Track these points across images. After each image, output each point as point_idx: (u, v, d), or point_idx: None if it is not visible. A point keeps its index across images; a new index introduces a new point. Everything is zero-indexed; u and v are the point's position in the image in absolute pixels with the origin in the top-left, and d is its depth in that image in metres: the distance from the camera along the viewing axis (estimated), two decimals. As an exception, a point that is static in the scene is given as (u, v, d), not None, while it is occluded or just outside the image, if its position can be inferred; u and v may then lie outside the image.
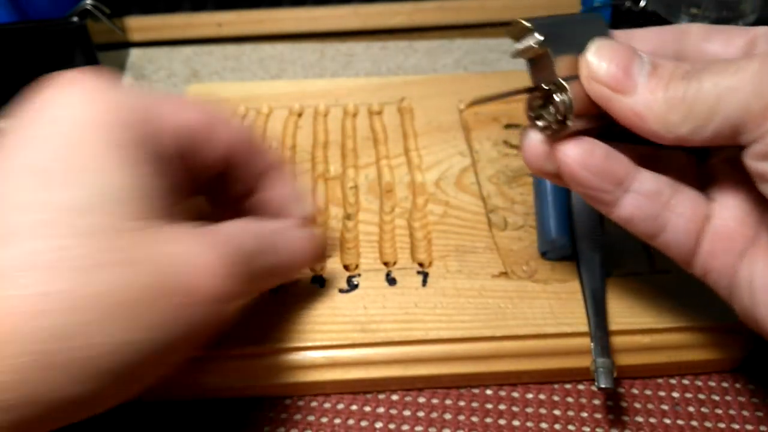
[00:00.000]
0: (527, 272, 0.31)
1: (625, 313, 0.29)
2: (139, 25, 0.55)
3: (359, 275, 0.31)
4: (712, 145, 0.21)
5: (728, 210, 0.23)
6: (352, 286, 0.30)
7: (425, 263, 0.31)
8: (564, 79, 0.22)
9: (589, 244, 0.31)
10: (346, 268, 0.31)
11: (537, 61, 0.23)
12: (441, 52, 0.54)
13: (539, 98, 0.23)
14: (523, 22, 0.22)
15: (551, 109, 0.22)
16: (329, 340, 0.28)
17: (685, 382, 0.29)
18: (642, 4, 0.47)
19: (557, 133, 0.22)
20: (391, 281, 0.31)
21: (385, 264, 0.31)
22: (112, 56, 0.53)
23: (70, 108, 0.21)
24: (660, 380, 0.29)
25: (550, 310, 0.29)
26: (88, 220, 0.18)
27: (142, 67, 0.54)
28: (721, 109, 0.19)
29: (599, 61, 0.21)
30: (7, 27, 0.45)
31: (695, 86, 0.20)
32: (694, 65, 0.21)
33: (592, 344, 0.27)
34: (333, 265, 0.31)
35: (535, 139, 0.23)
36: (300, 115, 0.41)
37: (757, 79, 0.19)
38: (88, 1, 0.45)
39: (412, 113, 0.41)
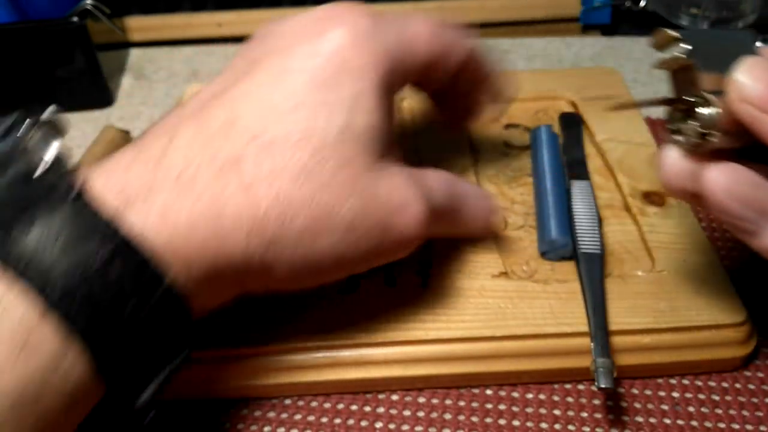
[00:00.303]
0: (527, 272, 0.31)
1: (625, 313, 0.29)
2: (139, 25, 0.55)
3: (359, 275, 0.31)
4: None
5: None
6: (353, 286, 0.30)
7: (425, 263, 0.31)
8: (710, 94, 0.21)
9: (589, 244, 0.31)
10: (346, 268, 0.31)
11: (680, 73, 0.22)
12: (441, 52, 0.54)
13: (680, 111, 0.22)
14: (669, 31, 0.21)
15: (692, 122, 0.21)
16: (329, 340, 0.28)
17: (685, 382, 0.29)
18: (642, 4, 0.47)
19: (697, 149, 0.22)
20: (391, 281, 0.31)
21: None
22: (112, 56, 0.53)
23: (341, 47, 0.24)
24: (660, 380, 0.29)
25: (550, 310, 0.29)
26: (342, 151, 0.22)
27: (142, 67, 0.54)
28: None
29: (749, 81, 0.20)
30: (7, 27, 0.45)
31: None
32: None
33: (592, 344, 0.27)
34: (333, 265, 0.31)
35: (675, 157, 0.22)
36: (300, 115, 0.41)
37: None
38: (88, 1, 0.46)
39: (412, 113, 0.41)
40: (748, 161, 0.22)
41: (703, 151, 0.22)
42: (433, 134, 0.39)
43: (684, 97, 0.22)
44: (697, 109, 0.21)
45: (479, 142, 0.38)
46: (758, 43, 0.23)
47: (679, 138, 0.22)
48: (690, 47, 0.21)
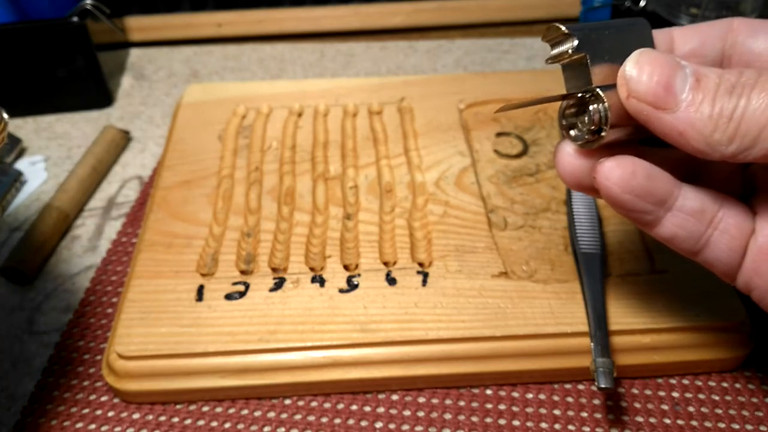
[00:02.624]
0: (527, 272, 0.31)
1: (625, 313, 0.29)
2: (139, 25, 0.55)
3: (359, 275, 0.31)
4: (760, 162, 0.20)
5: None
6: (352, 286, 0.30)
7: (425, 263, 0.31)
8: (601, 88, 0.21)
9: (589, 244, 0.31)
10: (346, 268, 0.31)
11: (572, 68, 0.22)
12: (441, 52, 0.54)
13: (573, 107, 0.22)
14: (560, 26, 0.21)
15: (585, 118, 0.21)
16: (329, 340, 0.28)
17: (685, 382, 0.29)
18: (642, 4, 0.47)
19: (591, 144, 0.21)
20: (391, 281, 0.31)
21: (385, 264, 0.31)
22: (112, 56, 0.53)
23: None
24: (660, 380, 0.29)
25: (550, 310, 0.29)
26: None
27: (142, 67, 0.54)
28: None
29: (638, 76, 0.20)
30: (7, 27, 0.45)
31: (743, 104, 0.19)
32: (742, 76, 0.19)
33: (592, 344, 0.27)
34: (333, 265, 0.31)
35: (569, 153, 0.22)
36: (300, 115, 0.41)
37: None
38: (88, 1, 0.46)
39: (411, 113, 0.41)
40: (648, 147, 0.22)
41: (598, 147, 0.21)
42: (433, 135, 0.39)
43: (576, 93, 0.22)
44: (589, 105, 0.21)
45: (479, 142, 0.38)
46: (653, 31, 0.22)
47: (573, 133, 0.22)
48: (577, 42, 0.21)
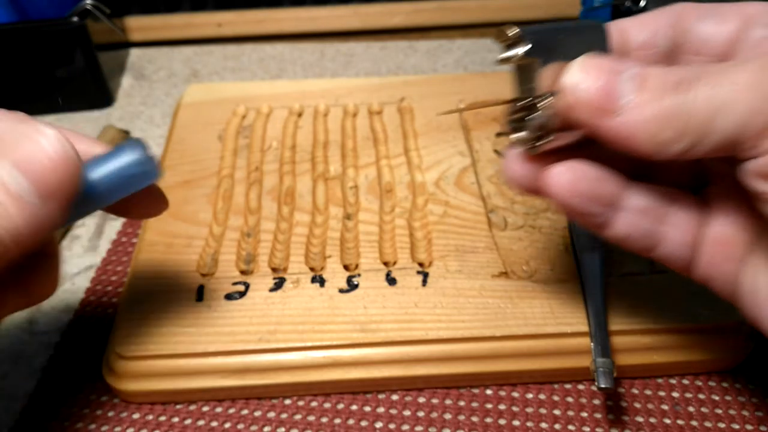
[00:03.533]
0: (527, 272, 0.31)
1: (625, 313, 0.29)
2: (139, 25, 0.56)
3: (359, 275, 0.31)
4: (708, 157, 0.20)
5: (724, 216, 0.22)
6: (352, 286, 0.30)
7: (425, 263, 0.31)
8: (547, 94, 0.20)
9: (589, 244, 0.31)
10: (346, 268, 0.31)
11: (523, 70, 0.21)
12: (441, 52, 0.54)
13: (520, 110, 0.22)
14: (512, 28, 0.20)
15: (531, 123, 0.21)
16: (329, 340, 0.28)
17: (685, 382, 0.29)
18: (642, 3, 0.47)
19: (535, 149, 0.21)
20: (391, 281, 0.31)
21: (385, 264, 0.31)
22: (112, 56, 0.53)
23: None
24: (660, 380, 0.29)
25: (550, 310, 0.29)
26: None
27: (142, 67, 0.54)
28: (717, 125, 0.18)
29: (579, 83, 0.19)
30: (7, 27, 0.45)
31: (689, 99, 0.18)
32: (686, 72, 0.19)
33: (592, 344, 0.27)
34: (333, 265, 0.31)
35: (517, 158, 0.22)
36: (300, 115, 0.41)
37: (752, 94, 0.17)
38: (88, 1, 0.46)
39: (412, 113, 0.41)
40: (598, 148, 0.21)
41: (542, 151, 0.21)
42: (433, 135, 0.39)
43: (523, 96, 0.21)
44: (535, 111, 0.21)
45: (479, 142, 0.38)
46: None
47: (519, 136, 0.22)
48: (528, 46, 0.20)
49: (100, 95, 0.48)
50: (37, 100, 0.47)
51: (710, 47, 0.22)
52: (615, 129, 0.19)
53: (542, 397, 0.28)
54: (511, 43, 0.21)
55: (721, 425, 0.27)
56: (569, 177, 0.21)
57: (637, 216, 0.22)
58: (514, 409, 0.28)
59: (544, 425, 0.27)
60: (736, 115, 0.18)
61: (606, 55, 0.21)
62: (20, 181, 0.19)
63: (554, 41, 0.21)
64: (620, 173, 0.22)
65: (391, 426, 0.27)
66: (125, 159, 0.22)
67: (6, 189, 0.19)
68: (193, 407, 0.28)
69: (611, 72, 0.19)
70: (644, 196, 0.22)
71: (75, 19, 0.44)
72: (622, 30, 0.23)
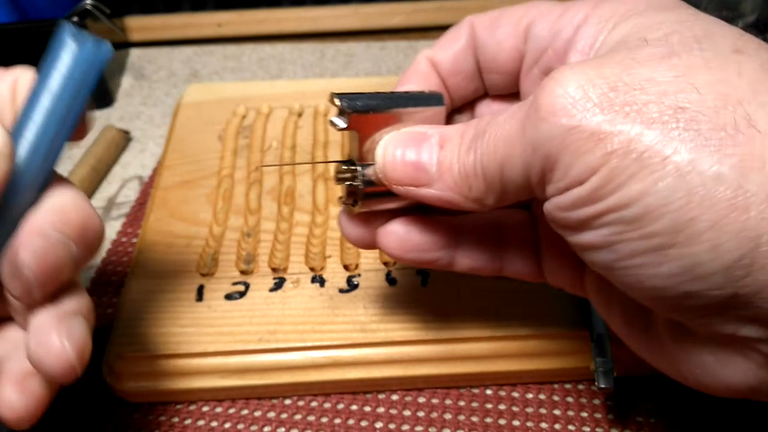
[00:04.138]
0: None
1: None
2: (139, 25, 0.55)
3: (359, 275, 0.31)
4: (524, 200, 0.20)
5: (549, 230, 0.22)
6: (352, 286, 0.30)
7: (425, 263, 0.31)
8: (362, 165, 0.21)
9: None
10: (346, 268, 0.31)
11: (352, 136, 0.22)
12: (441, 52, 0.54)
13: (346, 171, 0.22)
14: (336, 101, 0.21)
15: (347, 187, 0.22)
16: (329, 340, 0.28)
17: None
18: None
19: (352, 210, 0.22)
20: (391, 281, 0.31)
21: (385, 264, 0.31)
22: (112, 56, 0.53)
23: None
24: (660, 380, 0.29)
25: (550, 310, 0.29)
26: None
27: (142, 67, 0.54)
28: (508, 179, 0.18)
29: (387, 161, 0.20)
30: (7, 27, 0.45)
31: (479, 155, 0.19)
32: (476, 129, 0.19)
33: (592, 344, 0.27)
34: (333, 265, 0.31)
35: (349, 220, 0.23)
36: (300, 115, 0.41)
37: (521, 148, 0.17)
38: (88, 1, 0.46)
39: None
40: None
41: (357, 213, 0.22)
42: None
43: (345, 162, 0.22)
44: (350, 179, 0.22)
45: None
46: (444, 102, 0.23)
47: (340, 195, 0.22)
48: (344, 125, 0.21)
49: (100, 95, 0.48)
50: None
51: (500, 66, 0.23)
52: (432, 196, 0.20)
53: (542, 397, 0.28)
54: (339, 112, 0.21)
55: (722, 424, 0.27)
56: (397, 237, 0.22)
57: (474, 250, 0.23)
58: (514, 409, 0.28)
59: (544, 425, 0.27)
60: (517, 169, 0.18)
61: (416, 127, 0.21)
62: None
63: (378, 114, 0.21)
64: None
65: (391, 426, 0.27)
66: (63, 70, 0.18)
67: None
68: (193, 407, 0.28)
69: (416, 143, 0.20)
70: (475, 231, 0.23)
71: (75, 19, 0.44)
72: (432, 59, 0.24)
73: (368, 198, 0.22)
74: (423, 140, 0.20)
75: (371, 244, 0.23)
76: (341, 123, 0.21)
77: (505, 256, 0.23)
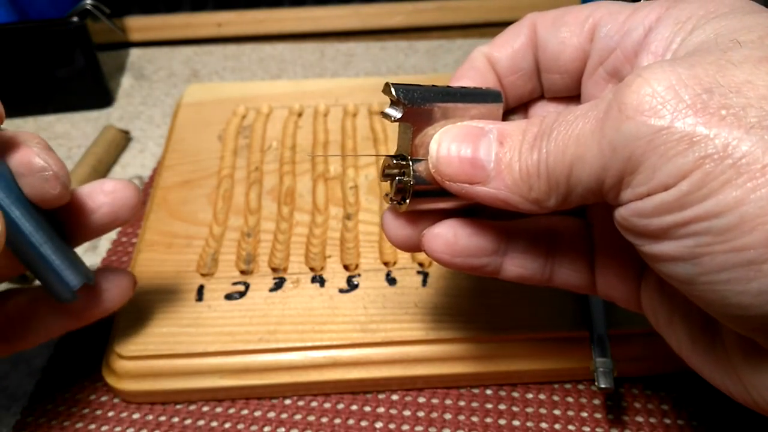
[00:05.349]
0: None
1: (625, 313, 0.29)
2: (139, 25, 0.55)
3: (359, 275, 0.31)
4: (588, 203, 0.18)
5: (607, 239, 0.21)
6: (352, 286, 0.30)
7: (425, 263, 0.31)
8: (413, 160, 0.20)
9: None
10: (346, 268, 0.31)
11: (404, 128, 0.20)
12: (441, 52, 0.54)
13: (395, 167, 0.21)
14: (392, 90, 0.19)
15: (395, 183, 0.21)
16: (329, 340, 0.28)
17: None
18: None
19: (399, 207, 0.21)
20: (391, 281, 0.31)
21: (385, 264, 0.31)
22: (112, 56, 0.53)
23: None
24: (660, 380, 0.29)
25: (550, 310, 0.29)
26: None
27: (142, 67, 0.54)
28: (577, 180, 0.17)
29: (442, 157, 0.19)
30: (7, 27, 0.45)
31: (545, 155, 0.18)
32: (541, 126, 0.18)
33: (592, 344, 0.27)
34: (333, 265, 0.31)
35: (394, 221, 0.22)
36: (300, 115, 0.41)
37: (596, 148, 0.16)
38: (88, 1, 0.46)
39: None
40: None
41: (405, 210, 0.21)
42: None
43: (399, 154, 0.21)
44: (400, 174, 0.21)
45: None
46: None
47: (388, 192, 0.21)
48: (399, 115, 0.20)
49: (100, 95, 0.48)
50: (37, 100, 0.47)
51: (562, 65, 0.22)
52: (488, 195, 0.19)
53: (542, 397, 0.28)
54: (393, 101, 0.20)
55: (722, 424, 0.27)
56: (443, 240, 0.21)
57: (524, 258, 0.22)
58: (514, 409, 0.28)
59: (544, 425, 0.27)
60: (589, 170, 0.17)
61: (473, 121, 0.20)
62: None
63: (433, 107, 0.20)
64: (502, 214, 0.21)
65: (391, 426, 0.27)
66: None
67: None
68: (193, 407, 0.28)
69: (473, 139, 0.19)
70: (526, 238, 0.22)
71: (75, 19, 0.44)
72: (489, 56, 0.23)
73: (418, 196, 0.21)
74: (481, 135, 0.19)
75: (414, 247, 0.22)
76: (396, 113, 0.20)
77: (556, 266, 0.22)
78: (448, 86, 0.21)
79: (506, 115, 0.24)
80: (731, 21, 0.17)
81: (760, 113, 0.14)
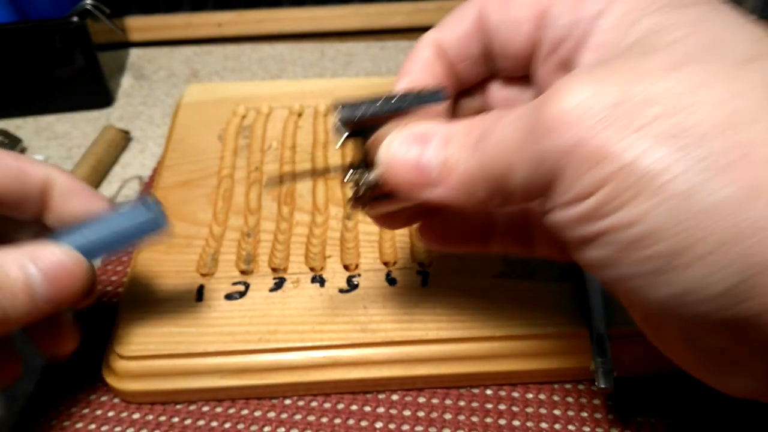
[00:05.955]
0: (527, 272, 0.31)
1: (625, 313, 0.29)
2: (139, 25, 0.55)
3: (359, 275, 0.31)
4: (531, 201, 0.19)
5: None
6: (352, 286, 0.30)
7: (425, 263, 0.31)
8: (370, 168, 0.21)
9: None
10: (346, 268, 0.31)
11: (355, 141, 0.21)
12: (441, 52, 0.54)
13: (354, 176, 0.21)
14: (339, 111, 0.20)
15: (357, 191, 0.21)
16: (329, 340, 0.28)
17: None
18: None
19: (371, 211, 0.22)
20: (391, 281, 0.31)
21: (385, 264, 0.31)
22: (112, 56, 0.53)
23: None
24: (660, 379, 0.29)
25: (550, 310, 0.29)
26: None
27: (142, 67, 0.54)
28: (514, 182, 0.17)
29: (389, 163, 0.20)
30: (7, 27, 0.45)
31: (485, 159, 0.18)
32: (482, 127, 0.18)
33: (592, 344, 0.27)
34: (333, 265, 0.31)
35: (376, 220, 0.24)
36: (300, 115, 0.41)
37: (527, 153, 0.17)
38: (88, 1, 0.46)
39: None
40: None
41: (380, 213, 0.22)
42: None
43: (354, 165, 0.21)
44: (358, 182, 0.21)
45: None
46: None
47: (350, 199, 0.22)
48: (346, 134, 0.20)
49: (100, 95, 0.48)
50: (37, 100, 0.47)
51: (512, 53, 0.22)
52: (438, 197, 0.19)
53: (542, 397, 0.28)
54: (339, 124, 0.20)
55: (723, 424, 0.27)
56: (435, 236, 0.24)
57: (507, 236, 0.24)
58: (514, 409, 0.28)
59: (544, 425, 0.27)
60: (520, 177, 0.17)
61: (419, 124, 0.20)
62: (40, 284, 0.23)
63: (378, 119, 0.20)
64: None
65: (391, 426, 0.27)
66: (133, 219, 0.24)
67: (28, 286, 0.22)
68: (193, 407, 0.28)
69: (419, 143, 0.19)
70: (507, 217, 0.24)
71: (75, 19, 0.44)
72: (438, 43, 0.23)
73: (377, 201, 0.21)
74: (426, 140, 0.19)
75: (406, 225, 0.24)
76: (341, 135, 0.20)
77: (536, 238, 0.23)
78: (392, 94, 0.21)
79: (463, 97, 0.24)
80: (663, 17, 0.18)
81: (667, 126, 0.15)
